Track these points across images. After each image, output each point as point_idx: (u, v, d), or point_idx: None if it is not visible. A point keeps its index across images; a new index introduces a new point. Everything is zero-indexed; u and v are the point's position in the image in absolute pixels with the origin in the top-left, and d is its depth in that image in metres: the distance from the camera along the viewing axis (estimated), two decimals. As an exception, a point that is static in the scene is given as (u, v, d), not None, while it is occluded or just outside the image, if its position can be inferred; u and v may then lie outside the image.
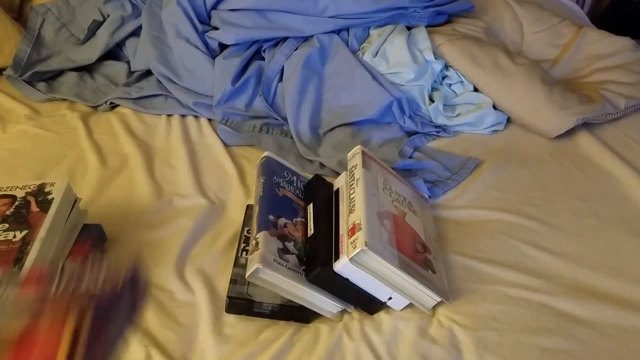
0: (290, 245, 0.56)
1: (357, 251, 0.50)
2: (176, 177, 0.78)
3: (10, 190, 0.62)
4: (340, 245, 0.54)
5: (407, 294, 0.54)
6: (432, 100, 0.91)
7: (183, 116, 0.93)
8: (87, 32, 1.03)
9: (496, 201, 0.74)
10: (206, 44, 0.96)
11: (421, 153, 0.84)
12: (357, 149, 0.64)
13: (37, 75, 1.00)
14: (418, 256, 0.57)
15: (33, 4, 1.07)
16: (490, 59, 0.91)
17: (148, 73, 1.00)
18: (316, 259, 0.54)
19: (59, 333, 0.21)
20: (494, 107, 0.90)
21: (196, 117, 0.93)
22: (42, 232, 0.55)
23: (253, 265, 0.51)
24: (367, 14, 0.97)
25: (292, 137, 0.86)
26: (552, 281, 0.61)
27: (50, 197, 0.60)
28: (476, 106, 0.90)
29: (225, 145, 0.86)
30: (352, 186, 0.59)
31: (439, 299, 0.56)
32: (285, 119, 0.89)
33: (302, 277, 0.53)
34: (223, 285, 0.59)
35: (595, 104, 0.85)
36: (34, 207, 0.59)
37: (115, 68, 1.03)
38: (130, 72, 1.02)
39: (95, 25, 1.04)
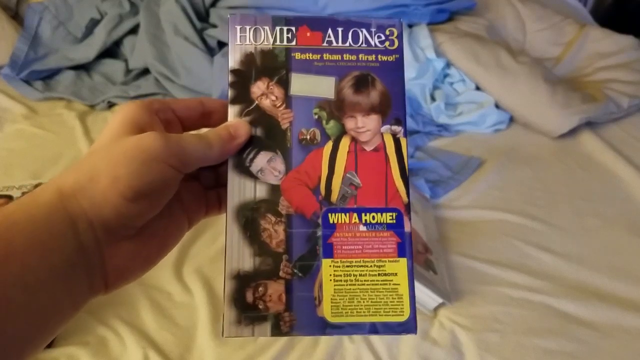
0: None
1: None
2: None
3: (6, 190, 0.62)
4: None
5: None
6: (433, 98, 0.90)
7: (182, 115, 0.92)
8: (84, 30, 1.03)
9: (498, 201, 0.73)
10: (205, 42, 0.95)
11: (422, 152, 0.83)
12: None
13: (34, 73, 0.99)
14: (419, 257, 0.57)
15: (30, 2, 1.06)
16: (493, 57, 0.90)
17: (146, 71, 0.99)
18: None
19: None
20: (496, 106, 0.89)
21: (195, 116, 0.92)
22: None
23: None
24: (368, 11, 0.96)
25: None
26: (555, 282, 0.60)
27: (46, 197, 0.59)
28: (478, 105, 0.89)
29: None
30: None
31: (440, 300, 0.55)
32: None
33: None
34: (222, 286, 0.58)
35: (599, 103, 0.84)
36: (30, 207, 0.58)
37: (113, 66, 1.03)
38: (128, 71, 1.01)
39: (93, 24, 1.03)
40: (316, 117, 0.24)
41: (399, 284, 0.23)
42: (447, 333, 0.54)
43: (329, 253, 0.23)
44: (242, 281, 0.23)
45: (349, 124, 0.24)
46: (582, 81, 0.95)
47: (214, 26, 0.97)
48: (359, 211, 0.24)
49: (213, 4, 0.99)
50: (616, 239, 0.67)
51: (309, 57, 0.25)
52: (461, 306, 0.57)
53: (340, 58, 0.25)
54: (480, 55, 0.90)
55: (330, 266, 0.23)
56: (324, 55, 0.25)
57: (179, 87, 0.93)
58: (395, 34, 0.25)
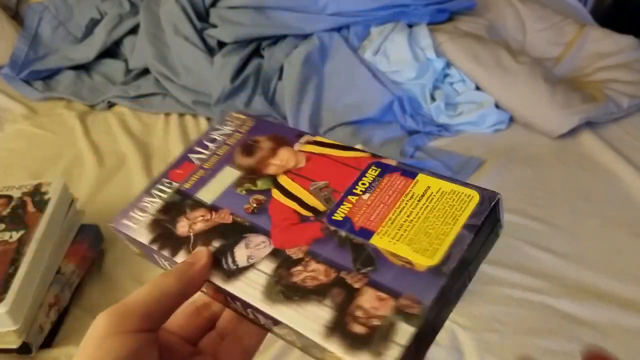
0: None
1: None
2: (175, 176, 0.78)
3: (6, 190, 0.62)
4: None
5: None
6: (433, 98, 0.90)
7: (181, 115, 0.92)
8: (84, 30, 1.03)
9: (498, 201, 0.73)
10: (205, 42, 0.95)
11: (422, 152, 0.83)
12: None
13: (34, 73, 0.99)
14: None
15: (30, 2, 1.06)
16: (493, 57, 0.90)
17: (146, 71, 0.99)
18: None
19: None
20: (496, 106, 0.89)
21: (194, 115, 0.92)
22: (38, 233, 0.55)
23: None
24: (368, 11, 0.96)
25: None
26: (555, 282, 0.60)
27: (46, 197, 0.59)
28: (478, 105, 0.89)
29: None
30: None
31: (440, 301, 0.55)
32: (285, 117, 0.89)
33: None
34: (222, 287, 0.58)
35: (599, 103, 0.84)
36: (31, 208, 0.58)
37: (113, 66, 1.03)
38: (128, 71, 1.01)
39: (93, 24, 1.03)
40: (244, 192, 0.24)
41: (440, 190, 0.22)
42: (447, 333, 0.54)
43: (368, 234, 0.21)
44: (335, 322, 0.19)
45: (271, 169, 0.25)
46: (582, 81, 0.95)
47: (214, 26, 0.97)
48: (349, 192, 0.23)
49: (213, 4, 0.99)
50: (616, 239, 0.66)
51: (193, 180, 0.26)
52: (461, 306, 0.56)
53: (216, 160, 0.27)
54: (480, 55, 0.90)
55: (381, 237, 0.21)
56: (202, 170, 0.26)
57: (179, 87, 0.93)
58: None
